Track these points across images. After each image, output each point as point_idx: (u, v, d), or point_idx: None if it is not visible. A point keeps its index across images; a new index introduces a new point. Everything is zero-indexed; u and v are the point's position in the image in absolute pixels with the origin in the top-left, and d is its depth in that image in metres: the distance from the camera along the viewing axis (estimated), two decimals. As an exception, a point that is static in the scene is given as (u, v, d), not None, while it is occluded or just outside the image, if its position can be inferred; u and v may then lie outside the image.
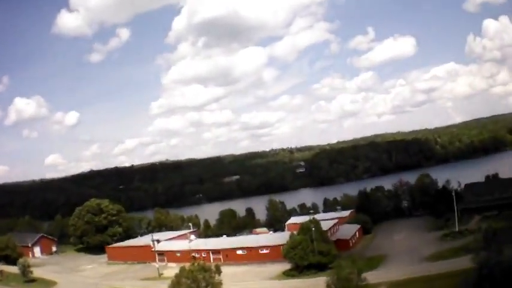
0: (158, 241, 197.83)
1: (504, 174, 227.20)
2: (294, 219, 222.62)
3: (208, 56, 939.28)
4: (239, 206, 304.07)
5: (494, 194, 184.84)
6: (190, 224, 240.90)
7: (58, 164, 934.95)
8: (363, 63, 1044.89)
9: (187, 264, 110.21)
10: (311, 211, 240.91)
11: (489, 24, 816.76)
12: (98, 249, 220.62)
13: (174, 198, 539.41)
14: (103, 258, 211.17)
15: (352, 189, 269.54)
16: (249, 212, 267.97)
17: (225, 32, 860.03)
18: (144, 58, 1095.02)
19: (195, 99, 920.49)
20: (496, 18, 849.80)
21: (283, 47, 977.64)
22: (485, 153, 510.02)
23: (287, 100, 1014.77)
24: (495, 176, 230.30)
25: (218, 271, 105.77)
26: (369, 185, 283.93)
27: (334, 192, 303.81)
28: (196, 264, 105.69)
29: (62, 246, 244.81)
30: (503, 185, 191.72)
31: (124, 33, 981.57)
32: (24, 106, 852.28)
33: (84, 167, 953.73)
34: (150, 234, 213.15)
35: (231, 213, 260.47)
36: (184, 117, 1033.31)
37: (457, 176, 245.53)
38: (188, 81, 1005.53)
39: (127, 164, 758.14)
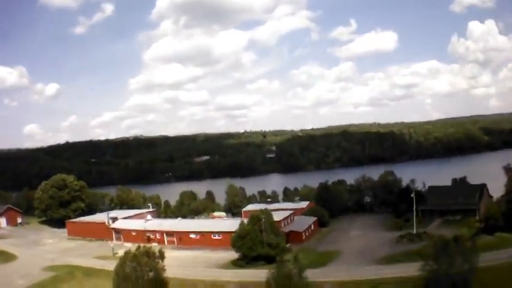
0: (115, 219, 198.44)
1: (473, 177, 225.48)
2: (250, 207, 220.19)
3: (189, 36, 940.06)
4: (206, 187, 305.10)
5: (458, 198, 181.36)
6: (149, 204, 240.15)
7: (35, 133, 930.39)
8: (343, 54, 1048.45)
9: (133, 247, 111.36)
10: (269, 199, 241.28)
11: (474, 27, 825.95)
12: (60, 222, 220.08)
13: (144, 174, 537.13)
14: (64, 232, 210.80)
15: (320, 178, 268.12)
16: (209, 195, 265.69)
17: (207, 13, 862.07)
18: (126, 34, 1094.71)
19: (173, 78, 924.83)
20: (482, 21, 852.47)
21: (264, 31, 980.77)
22: (460, 152, 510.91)
23: (264, 84, 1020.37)
24: (462, 180, 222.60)
25: (162, 257, 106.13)
26: (339, 175, 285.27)
27: (302, 180, 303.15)
28: (141, 248, 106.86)
29: (27, 217, 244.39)
30: (468, 190, 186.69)
31: (108, 8, 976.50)
32: (7, 75, 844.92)
33: (62, 138, 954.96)
34: (109, 211, 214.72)
35: (191, 195, 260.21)
36: (161, 94, 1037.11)
37: (427, 175, 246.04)
38: (168, 60, 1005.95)
39: (102, 138, 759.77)
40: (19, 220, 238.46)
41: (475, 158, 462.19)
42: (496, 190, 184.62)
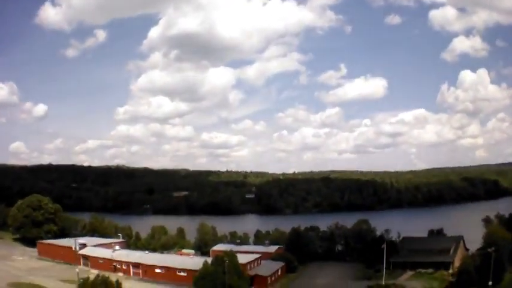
0: (84, 245, 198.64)
1: (452, 229, 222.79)
2: (219, 246, 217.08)
3: (178, 70, 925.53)
4: (181, 223, 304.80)
5: (432, 250, 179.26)
6: (120, 234, 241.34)
7: (21, 152, 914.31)
8: (331, 99, 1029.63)
9: (93, 275, 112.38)
10: (238, 241, 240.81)
11: (466, 76, 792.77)
12: (33, 241, 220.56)
13: (123, 204, 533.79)
14: (35, 251, 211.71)
15: (297, 222, 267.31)
16: (180, 231, 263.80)
17: (198, 49, 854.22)
18: (116, 62, 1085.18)
19: (159, 111, 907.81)
20: (474, 70, 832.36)
21: (253, 71, 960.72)
22: (441, 202, 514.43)
23: (250, 125, 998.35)
24: (439, 231, 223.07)
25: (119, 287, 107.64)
26: (315, 220, 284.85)
27: (278, 223, 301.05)
28: (100, 277, 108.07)
29: (2, 233, 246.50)
30: (444, 242, 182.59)
31: (101, 35, 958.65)
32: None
33: (46, 160, 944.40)
34: (80, 237, 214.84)
35: (162, 230, 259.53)
36: (147, 126, 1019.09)
37: (405, 225, 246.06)
38: (155, 92, 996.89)
39: (86, 164, 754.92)
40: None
41: (457, 208, 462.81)
42: (475, 242, 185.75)
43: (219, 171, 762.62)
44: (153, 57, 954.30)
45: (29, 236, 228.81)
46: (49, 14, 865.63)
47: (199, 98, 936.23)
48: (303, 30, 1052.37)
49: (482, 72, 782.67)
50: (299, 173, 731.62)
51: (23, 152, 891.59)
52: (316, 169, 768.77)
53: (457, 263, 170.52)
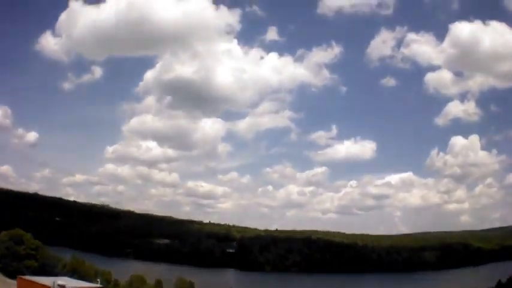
0: (63, 286, 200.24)
1: None
2: None
3: (170, 116, 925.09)
4: (160, 271, 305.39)
5: None
6: (98, 280, 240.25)
7: (9, 176, 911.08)
8: (319, 158, 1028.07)
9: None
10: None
11: (457, 141, 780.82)
12: (13, 273, 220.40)
13: (104, 245, 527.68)
14: (15, 283, 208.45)
15: (276, 281, 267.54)
16: (158, 283, 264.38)
17: (192, 97, 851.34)
18: (110, 101, 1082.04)
19: (148, 155, 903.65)
20: (465, 136, 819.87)
21: (244, 125, 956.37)
22: (422, 268, 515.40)
23: (236, 177, 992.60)
24: None
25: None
26: (295, 280, 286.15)
27: (257, 280, 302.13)
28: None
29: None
30: None
31: (97, 72, 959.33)
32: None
33: (33, 188, 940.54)
34: (59, 277, 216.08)
35: (141, 279, 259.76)
36: (134, 168, 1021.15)
37: None
38: (146, 136, 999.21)
39: (72, 198, 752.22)
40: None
41: (436, 274, 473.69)
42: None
43: (202, 221, 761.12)
44: (147, 101, 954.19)
45: (9, 268, 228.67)
46: (49, 43, 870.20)
47: (189, 146, 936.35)
48: (297, 87, 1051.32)
49: (474, 138, 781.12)
50: (281, 231, 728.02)
51: (10, 176, 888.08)
52: (298, 227, 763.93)
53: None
